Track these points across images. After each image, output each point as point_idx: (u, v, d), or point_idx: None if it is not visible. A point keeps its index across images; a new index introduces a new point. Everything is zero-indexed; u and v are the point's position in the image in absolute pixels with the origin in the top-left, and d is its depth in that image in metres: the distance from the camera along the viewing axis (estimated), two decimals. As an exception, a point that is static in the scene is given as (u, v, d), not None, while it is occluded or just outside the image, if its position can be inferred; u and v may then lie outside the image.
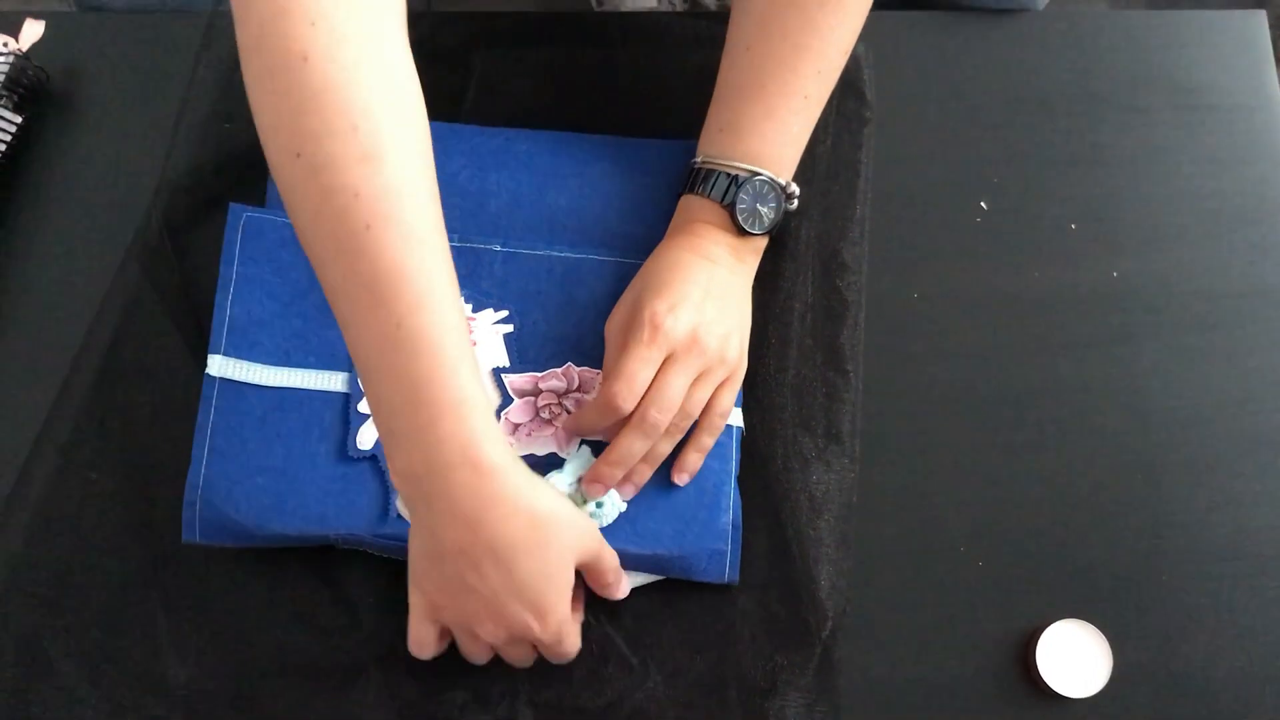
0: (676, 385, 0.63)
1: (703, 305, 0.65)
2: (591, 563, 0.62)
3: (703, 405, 0.65)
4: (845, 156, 0.76)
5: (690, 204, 0.69)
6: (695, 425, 0.66)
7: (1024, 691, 0.65)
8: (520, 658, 0.62)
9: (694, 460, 0.67)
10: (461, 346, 0.56)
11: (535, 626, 0.59)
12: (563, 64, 0.79)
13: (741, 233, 0.67)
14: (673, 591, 0.67)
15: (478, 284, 0.71)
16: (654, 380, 0.63)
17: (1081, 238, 0.75)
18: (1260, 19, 0.81)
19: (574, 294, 0.70)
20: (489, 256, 0.71)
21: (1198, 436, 0.71)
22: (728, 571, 0.66)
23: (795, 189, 0.69)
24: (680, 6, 0.98)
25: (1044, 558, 0.68)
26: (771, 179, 0.67)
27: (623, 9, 0.96)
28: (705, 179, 0.68)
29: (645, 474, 0.66)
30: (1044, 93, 0.79)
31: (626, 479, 0.65)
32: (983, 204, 0.76)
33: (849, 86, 0.77)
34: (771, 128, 0.67)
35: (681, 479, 0.67)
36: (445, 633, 0.62)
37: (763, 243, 0.70)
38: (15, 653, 0.65)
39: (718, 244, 0.68)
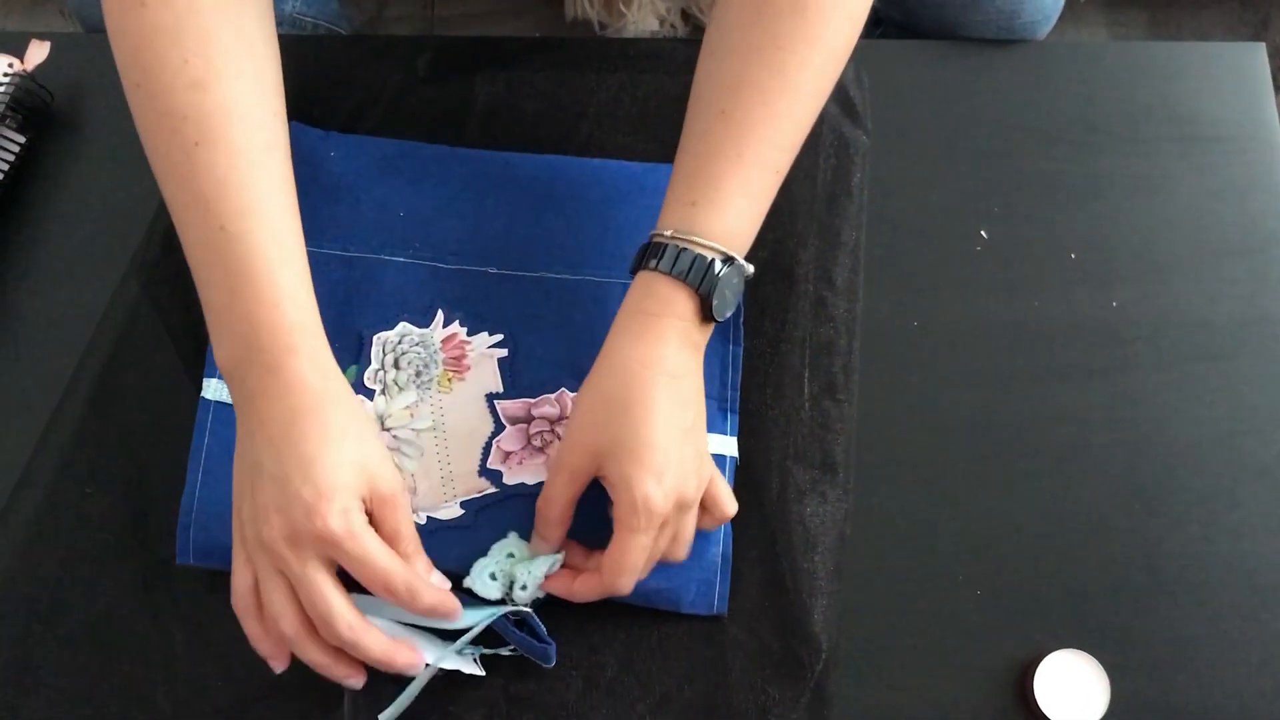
0: (679, 544, 0.62)
1: (679, 450, 0.60)
2: (382, 500, 0.59)
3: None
4: (842, 182, 0.76)
5: (655, 287, 0.61)
6: None
7: (1022, 722, 0.65)
8: (310, 580, 0.56)
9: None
10: (285, 250, 0.60)
11: (317, 509, 0.55)
12: (565, 88, 0.79)
13: (707, 319, 0.62)
14: (663, 618, 0.66)
15: (473, 307, 0.71)
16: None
17: (1081, 267, 0.75)
18: (1260, 51, 0.81)
19: (570, 316, 0.70)
20: (483, 280, 0.71)
21: (1196, 466, 0.71)
22: (715, 603, 0.66)
23: (751, 270, 0.63)
24: (682, 32, 0.99)
25: (1042, 587, 0.68)
26: (742, 263, 0.62)
27: (625, 34, 0.96)
28: (677, 259, 0.60)
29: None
30: (1044, 123, 0.79)
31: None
32: (982, 233, 0.76)
33: (846, 111, 0.77)
34: (747, 206, 0.62)
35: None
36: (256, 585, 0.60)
37: (711, 326, 0.64)
38: (6, 666, 0.65)
39: (681, 347, 0.61)
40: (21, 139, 0.76)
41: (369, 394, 0.69)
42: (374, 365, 0.69)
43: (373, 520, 0.59)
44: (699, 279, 0.60)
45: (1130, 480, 0.70)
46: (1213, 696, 0.66)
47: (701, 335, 0.63)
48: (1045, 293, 0.75)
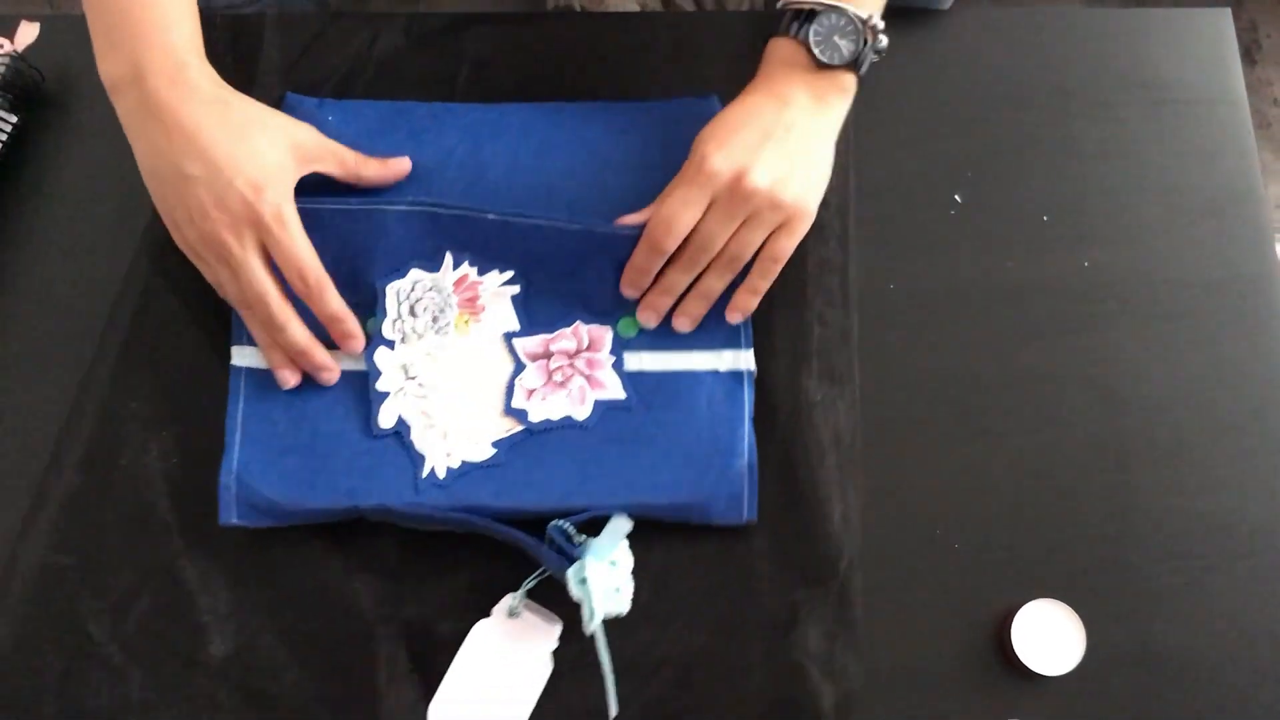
0: (715, 230, 0.66)
1: (759, 147, 0.65)
2: (322, 158, 0.68)
3: (754, 247, 0.67)
4: None
5: (770, 47, 0.69)
6: (752, 266, 0.68)
7: (1000, 670, 0.67)
8: (250, 264, 0.64)
9: (745, 300, 0.69)
10: None
11: (251, 198, 0.63)
12: (552, 47, 0.81)
13: (819, 65, 0.67)
14: (691, 541, 0.68)
15: (480, 248, 0.71)
16: (698, 223, 0.66)
17: (1054, 229, 0.77)
18: (1226, 16, 0.83)
19: (575, 260, 0.71)
20: (485, 224, 0.71)
21: (1167, 422, 0.72)
22: (745, 512, 0.67)
23: (880, 25, 0.68)
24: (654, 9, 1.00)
25: (1018, 541, 0.69)
26: (850, 11, 0.66)
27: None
28: (782, 18, 0.68)
29: (699, 308, 0.69)
30: (1017, 88, 0.81)
31: (683, 312, 0.69)
32: (957, 197, 0.78)
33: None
34: None
35: (733, 318, 0.70)
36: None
37: (847, 81, 0.69)
38: (58, 636, 0.66)
39: (793, 83, 0.67)
40: (13, 119, 0.77)
41: (389, 344, 0.70)
42: (391, 315, 0.70)
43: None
44: (797, 28, 0.67)
45: (1104, 435, 0.72)
46: (1186, 642, 0.67)
47: (820, 79, 0.67)
48: (1019, 254, 0.76)
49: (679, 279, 0.68)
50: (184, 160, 0.63)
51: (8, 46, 0.77)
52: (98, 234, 0.76)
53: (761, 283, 0.68)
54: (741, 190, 0.64)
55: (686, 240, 0.67)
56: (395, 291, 0.71)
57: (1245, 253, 0.76)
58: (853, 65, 0.68)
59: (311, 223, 0.67)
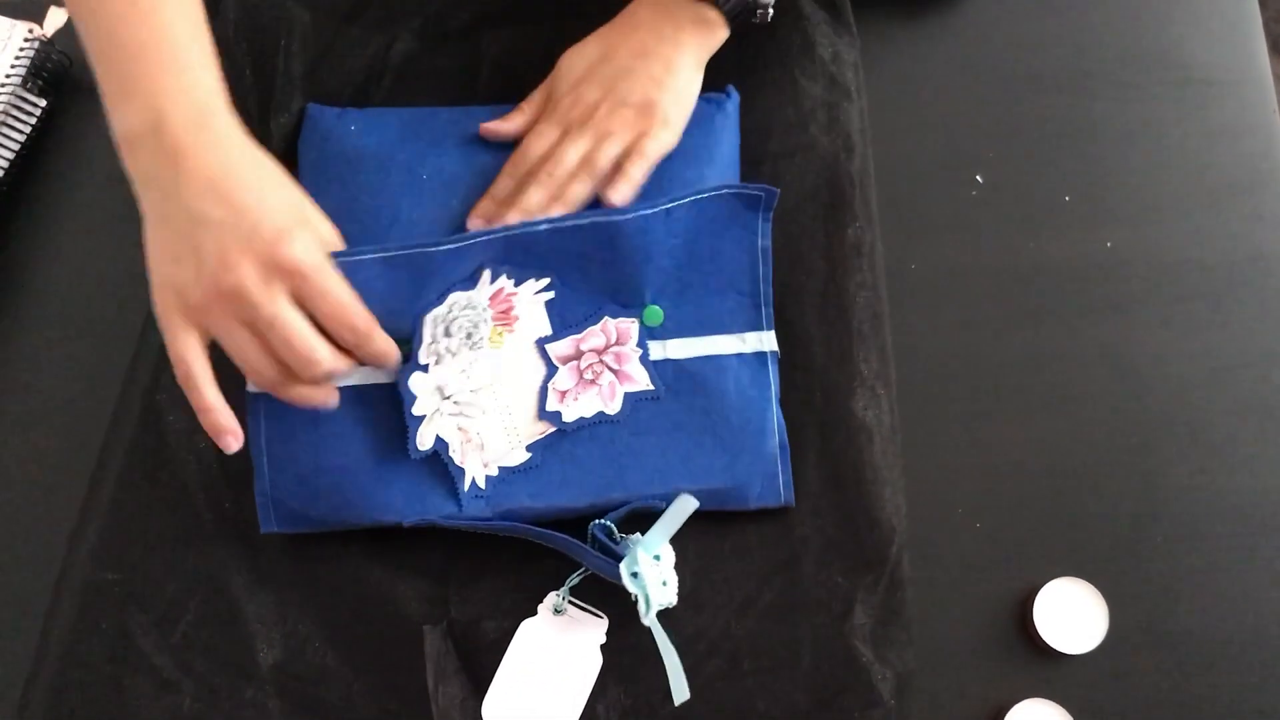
0: (569, 149, 0.69)
1: (603, 73, 0.71)
2: (328, 246, 0.60)
3: (613, 159, 0.69)
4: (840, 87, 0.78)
5: None
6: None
7: (1023, 648, 0.67)
8: (284, 314, 0.57)
9: (624, 189, 0.69)
10: (194, 26, 0.60)
11: (283, 241, 0.56)
12: (569, 43, 0.80)
13: None
14: (731, 528, 0.68)
15: (519, 260, 0.70)
16: (552, 149, 0.69)
17: (1076, 210, 0.77)
18: (1251, -4, 0.83)
19: (608, 250, 0.69)
20: (525, 238, 0.68)
21: (1191, 401, 0.72)
22: (783, 493, 0.68)
23: None
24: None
25: (1041, 520, 0.70)
26: None
27: None
28: None
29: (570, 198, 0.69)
30: (1039, 69, 0.81)
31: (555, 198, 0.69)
32: (978, 178, 0.78)
33: (834, 85, 0.78)
34: None
35: (613, 195, 0.69)
36: (204, 337, 0.59)
37: (707, 14, 0.71)
38: (108, 649, 0.66)
39: (649, 8, 0.72)
40: (42, 102, 0.78)
41: (424, 369, 0.68)
42: (426, 341, 0.68)
43: None
44: None
45: (1127, 414, 0.72)
46: (1208, 621, 0.67)
47: (683, 12, 0.71)
48: (1041, 235, 0.76)
49: (537, 196, 0.69)
50: (202, 203, 0.56)
51: (37, 31, 0.78)
52: (126, 216, 0.76)
53: (638, 172, 0.69)
54: (591, 120, 0.69)
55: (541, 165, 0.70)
56: (432, 318, 0.68)
57: (1269, 232, 0.76)
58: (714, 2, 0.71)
59: (354, 276, 0.62)
